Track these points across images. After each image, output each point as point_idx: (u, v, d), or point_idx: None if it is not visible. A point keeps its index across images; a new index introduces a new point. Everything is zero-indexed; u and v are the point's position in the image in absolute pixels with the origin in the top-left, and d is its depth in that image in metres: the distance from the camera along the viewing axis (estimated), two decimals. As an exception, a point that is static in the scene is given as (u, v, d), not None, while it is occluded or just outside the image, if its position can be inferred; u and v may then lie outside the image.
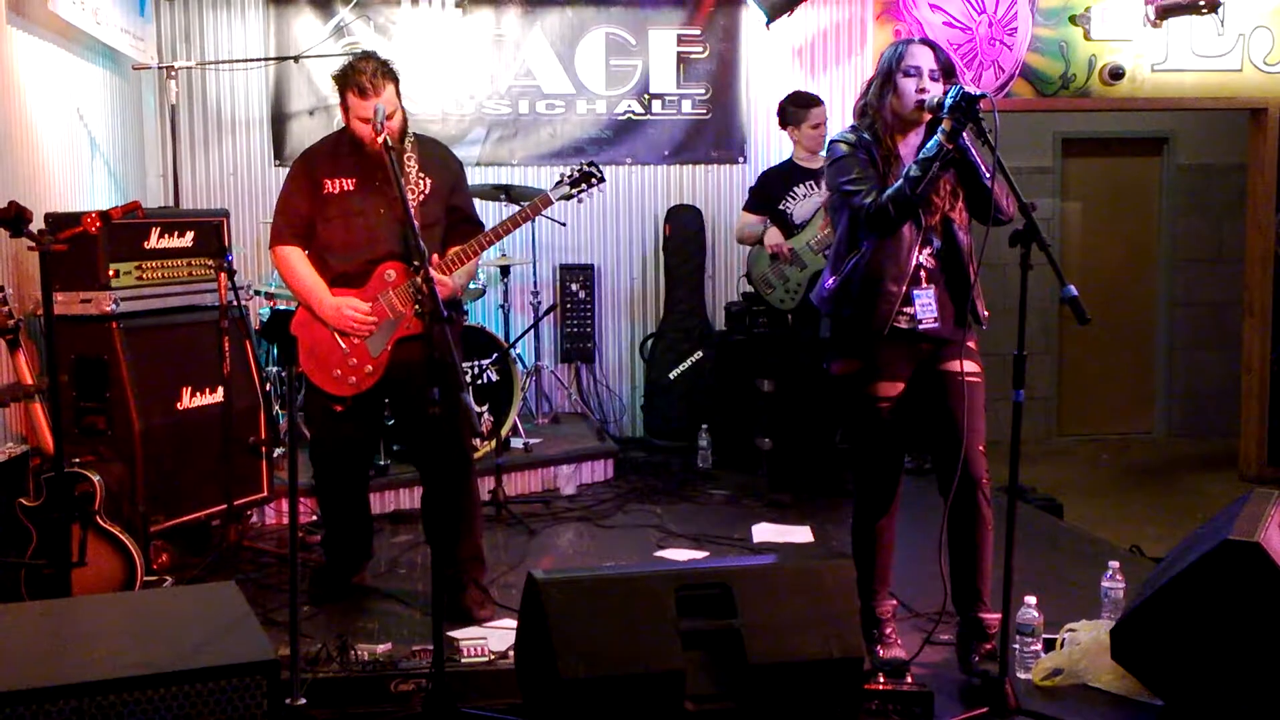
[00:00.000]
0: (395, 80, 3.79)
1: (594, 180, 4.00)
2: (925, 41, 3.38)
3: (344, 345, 3.85)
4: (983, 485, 3.44)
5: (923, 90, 3.27)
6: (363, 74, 3.72)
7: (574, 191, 3.99)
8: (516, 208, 6.07)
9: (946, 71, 3.32)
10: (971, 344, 3.45)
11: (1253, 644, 2.97)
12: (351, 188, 3.85)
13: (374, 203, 3.82)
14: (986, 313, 3.48)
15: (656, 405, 6.59)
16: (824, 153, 3.52)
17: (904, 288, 3.32)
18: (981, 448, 3.46)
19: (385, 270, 3.84)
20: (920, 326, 3.35)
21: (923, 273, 3.35)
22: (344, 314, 3.81)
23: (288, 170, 4.07)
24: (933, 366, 3.41)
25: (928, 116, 3.30)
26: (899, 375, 3.42)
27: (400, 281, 3.82)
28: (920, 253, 3.34)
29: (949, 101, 3.15)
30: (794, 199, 5.42)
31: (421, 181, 3.88)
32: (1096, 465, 7.79)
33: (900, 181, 3.22)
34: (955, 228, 3.37)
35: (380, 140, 3.48)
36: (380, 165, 3.73)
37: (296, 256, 3.90)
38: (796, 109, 5.51)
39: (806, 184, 5.46)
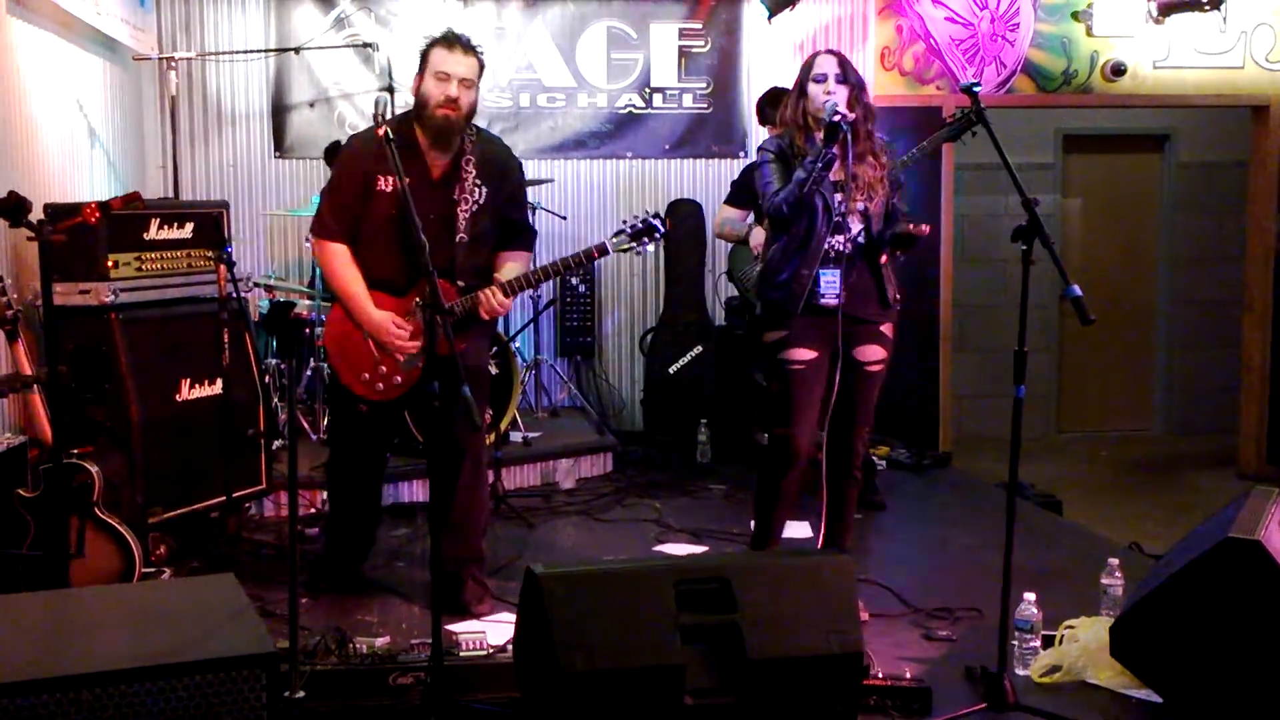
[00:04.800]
0: (482, 64, 3.72)
1: (656, 235, 3.80)
2: (831, 52, 3.81)
3: (376, 353, 3.78)
4: (859, 456, 3.92)
5: (829, 93, 3.67)
6: (455, 35, 3.66)
7: (633, 244, 3.80)
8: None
9: (849, 79, 3.72)
10: (886, 329, 3.84)
11: (1252, 642, 2.96)
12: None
13: (425, 210, 3.47)
14: (898, 295, 3.84)
15: (656, 400, 6.58)
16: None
17: (814, 270, 3.70)
18: (867, 428, 3.92)
19: (427, 286, 3.73)
20: (821, 301, 3.71)
21: (832, 254, 3.70)
22: (388, 333, 3.71)
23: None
24: (847, 349, 3.74)
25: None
26: (813, 345, 3.76)
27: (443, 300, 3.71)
28: (833, 239, 3.69)
29: (824, 117, 3.58)
30: None
31: (477, 190, 3.75)
32: (1095, 462, 7.79)
33: (791, 184, 3.63)
34: (871, 218, 3.72)
35: (381, 132, 3.30)
36: (442, 166, 3.69)
37: (342, 257, 3.76)
38: (772, 110, 5.40)
39: None
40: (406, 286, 3.76)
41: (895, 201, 3.79)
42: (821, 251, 3.69)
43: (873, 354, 3.80)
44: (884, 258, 3.78)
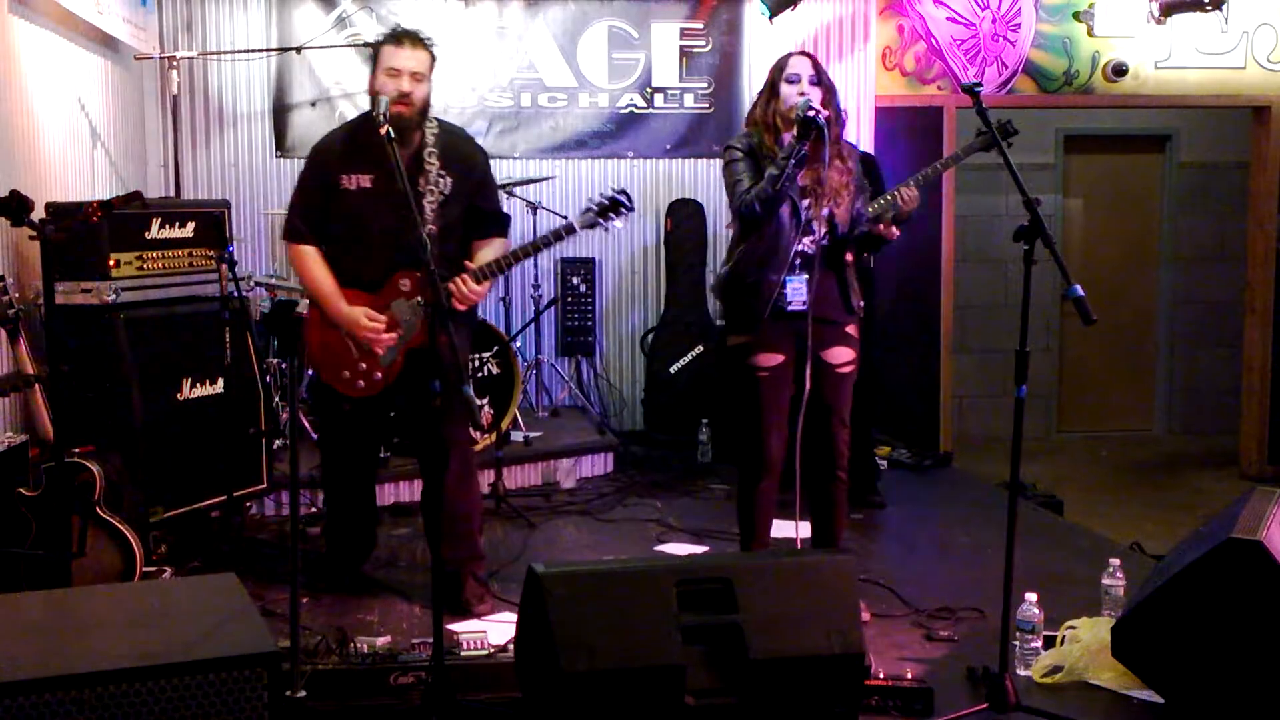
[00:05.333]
0: (432, 56, 3.77)
1: (622, 209, 3.84)
2: (804, 53, 3.79)
3: (355, 350, 3.80)
4: (845, 455, 3.86)
5: (802, 94, 3.61)
6: (403, 31, 3.75)
7: (599, 221, 3.83)
8: (523, 201, 6.14)
9: (822, 82, 3.69)
10: (851, 329, 3.82)
11: (1254, 643, 2.96)
12: (368, 184, 3.74)
13: (391, 204, 3.58)
14: (860, 303, 3.83)
15: (657, 399, 6.58)
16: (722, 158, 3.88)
17: (783, 275, 3.66)
18: (846, 425, 3.86)
19: (400, 280, 3.76)
20: (789, 308, 3.67)
21: (799, 260, 3.67)
22: (361, 327, 3.74)
23: (303, 161, 4.01)
24: (815, 352, 3.69)
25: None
26: (779, 349, 3.72)
27: (415, 293, 3.74)
28: (800, 242, 3.66)
29: (798, 113, 3.52)
30: None
31: (442, 180, 3.77)
32: (1096, 462, 7.79)
33: (764, 180, 3.56)
34: (837, 221, 3.68)
35: (383, 131, 3.33)
36: (404, 160, 3.69)
37: (312, 257, 3.80)
38: None
39: None
40: (380, 282, 3.79)
41: (860, 207, 3.75)
42: (790, 256, 3.65)
43: (842, 356, 3.77)
44: (849, 255, 3.74)
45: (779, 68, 3.73)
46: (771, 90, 3.72)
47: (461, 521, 3.89)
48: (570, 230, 3.83)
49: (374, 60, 3.77)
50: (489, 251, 3.86)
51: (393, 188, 3.57)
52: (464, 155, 3.88)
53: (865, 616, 3.74)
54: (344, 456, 4.06)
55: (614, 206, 3.83)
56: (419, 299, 3.73)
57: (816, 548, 3.83)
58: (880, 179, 5.29)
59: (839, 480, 3.83)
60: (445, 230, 3.77)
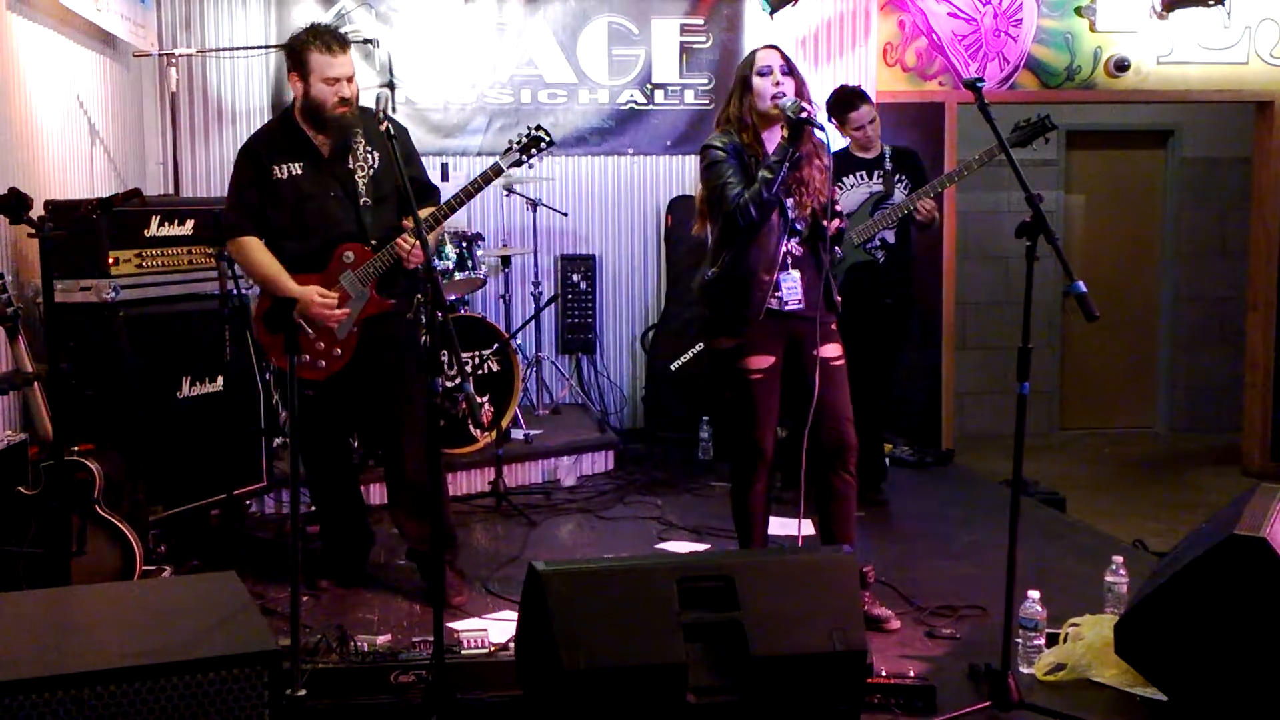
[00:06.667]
0: (350, 48, 3.90)
1: (542, 144, 3.97)
2: (771, 46, 3.74)
3: (309, 330, 3.84)
4: (855, 450, 3.78)
5: (777, 85, 3.60)
6: (327, 34, 3.84)
7: (523, 157, 3.96)
8: (523, 198, 6.13)
9: (793, 73, 3.66)
10: (834, 325, 3.79)
11: (1257, 639, 2.95)
12: (299, 172, 3.85)
13: (324, 185, 3.85)
14: (839, 298, 3.78)
15: (657, 397, 6.57)
16: (699, 157, 3.83)
17: (775, 275, 3.64)
18: (850, 418, 3.77)
19: (343, 252, 3.85)
20: (786, 308, 3.66)
21: (789, 259, 3.67)
22: (316, 304, 3.80)
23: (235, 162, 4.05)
24: (811, 349, 3.67)
25: (775, 110, 3.59)
26: (770, 350, 3.71)
27: (360, 262, 3.84)
28: (788, 242, 3.66)
29: (789, 114, 3.50)
30: (840, 189, 5.15)
31: (369, 156, 3.89)
32: (1099, 459, 7.78)
33: (756, 183, 3.54)
34: (818, 220, 3.68)
35: (384, 127, 3.36)
36: (330, 145, 3.83)
37: (255, 246, 3.88)
38: (837, 113, 5.25)
39: (857, 174, 5.20)
40: (324, 259, 3.86)
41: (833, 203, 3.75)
42: (780, 255, 3.63)
43: (833, 350, 3.74)
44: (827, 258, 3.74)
45: (748, 63, 3.69)
46: (744, 86, 3.67)
47: (428, 502, 3.85)
48: (498, 170, 3.93)
49: (296, 59, 3.86)
50: (422, 214, 3.90)
51: (323, 172, 3.83)
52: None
53: (895, 625, 3.74)
54: (317, 448, 4.04)
55: (534, 143, 3.97)
56: (367, 265, 3.83)
57: (824, 542, 3.80)
58: (924, 174, 5.25)
59: (848, 480, 3.77)
60: (379, 202, 3.90)
